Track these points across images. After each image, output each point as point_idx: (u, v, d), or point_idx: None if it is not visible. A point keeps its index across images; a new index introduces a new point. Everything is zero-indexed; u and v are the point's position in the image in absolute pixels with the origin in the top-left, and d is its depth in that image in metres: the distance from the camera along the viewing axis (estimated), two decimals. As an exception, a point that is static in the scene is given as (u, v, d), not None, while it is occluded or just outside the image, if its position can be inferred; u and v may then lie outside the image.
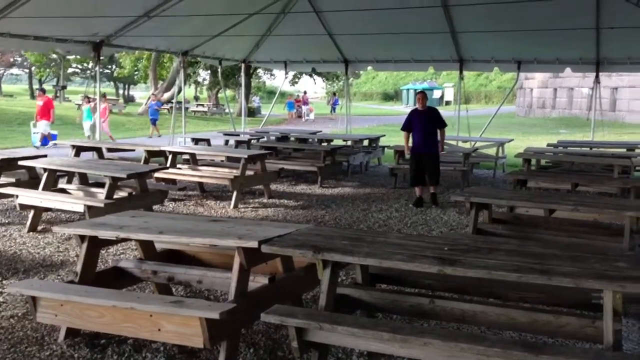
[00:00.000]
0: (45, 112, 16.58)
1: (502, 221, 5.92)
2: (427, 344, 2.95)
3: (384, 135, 15.07)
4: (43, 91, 18.11)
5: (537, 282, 3.08)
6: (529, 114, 36.86)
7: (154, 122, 22.93)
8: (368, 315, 3.90)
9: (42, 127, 16.57)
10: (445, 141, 13.42)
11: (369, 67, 16.50)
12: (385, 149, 13.98)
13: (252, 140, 13.13)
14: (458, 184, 10.58)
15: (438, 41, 12.70)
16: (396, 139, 17.80)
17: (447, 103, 52.53)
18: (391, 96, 64.47)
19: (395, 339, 3.02)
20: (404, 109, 51.68)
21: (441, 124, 9.06)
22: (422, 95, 9.32)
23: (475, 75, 52.91)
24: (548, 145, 12.32)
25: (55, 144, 15.69)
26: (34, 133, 16.79)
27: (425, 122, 8.93)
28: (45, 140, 16.58)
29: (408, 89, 58.02)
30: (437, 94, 55.51)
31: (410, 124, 9.08)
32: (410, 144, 9.15)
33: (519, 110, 38.20)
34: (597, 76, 12.78)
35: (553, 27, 10.99)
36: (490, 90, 54.02)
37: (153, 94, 26.82)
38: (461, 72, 13.89)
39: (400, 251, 3.37)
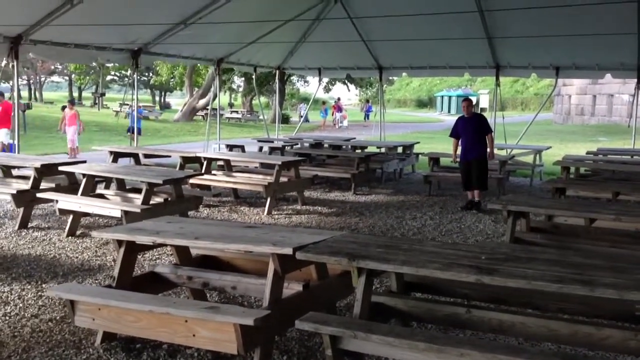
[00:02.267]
0: (5, 118, 13.82)
1: (541, 230, 5.80)
2: (464, 355, 2.89)
3: (418, 143, 14.95)
4: (1, 95, 14.61)
5: (578, 293, 3.00)
6: (567, 121, 36.17)
7: (134, 130, 16.43)
8: (403, 324, 3.85)
9: (1, 136, 13.85)
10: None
11: (404, 74, 16.42)
12: (420, 156, 13.88)
13: (286, 147, 13.18)
14: (494, 192, 10.41)
15: (474, 47, 12.56)
16: (430, 146, 17.67)
17: (483, 110, 51.75)
18: (425, 103, 64.07)
19: (432, 348, 2.97)
20: (438, 116, 51.35)
21: (486, 129, 9.21)
22: (467, 102, 9.45)
23: (511, 81, 52.19)
24: (587, 153, 12.05)
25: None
26: None
27: (471, 129, 9.11)
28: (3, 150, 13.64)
29: (442, 96, 57.62)
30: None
31: (457, 131, 9.30)
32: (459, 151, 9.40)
33: (557, 118, 37.52)
34: (638, 82, 12.45)
35: (593, 32, 10.76)
36: (527, 97, 53.24)
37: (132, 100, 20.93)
38: (497, 79, 13.70)
39: (437, 259, 3.32)
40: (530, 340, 3.87)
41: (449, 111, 54.08)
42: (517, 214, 5.41)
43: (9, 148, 13.62)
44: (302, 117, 36.43)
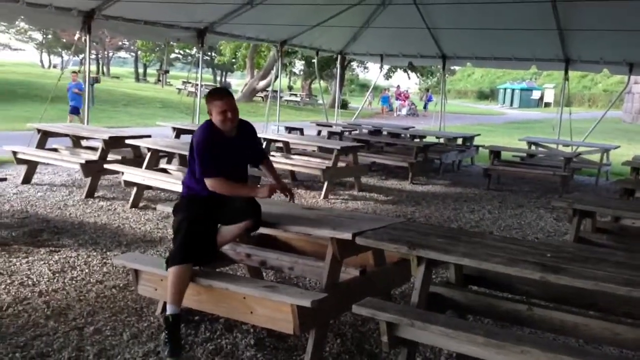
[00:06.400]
0: None
1: (606, 231, 5.60)
2: (524, 352, 2.83)
3: (479, 135, 14.66)
4: None
5: (648, 299, 2.88)
6: (637, 120, 34.72)
7: (74, 110, 15.93)
8: (459, 317, 3.80)
9: None
10: (544, 144, 12.89)
11: (468, 64, 16.07)
12: (480, 148, 13.62)
13: (345, 132, 13.15)
14: (556, 189, 10.12)
15: (543, 39, 12.15)
16: (491, 139, 17.30)
17: (547, 105, 50.53)
18: (487, 95, 62.72)
19: (490, 343, 2.92)
20: (499, 108, 50.18)
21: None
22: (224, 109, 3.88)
23: (578, 76, 50.41)
24: (658, 154, 11.52)
25: None
26: None
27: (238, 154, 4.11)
28: None
29: (505, 89, 56.27)
30: (536, 94, 53.52)
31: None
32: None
33: (626, 116, 36.06)
34: None
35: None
36: (595, 93, 51.36)
37: (73, 72, 17.25)
38: (567, 73, 13.25)
39: (500, 254, 3.25)
40: (592, 343, 3.76)
41: (511, 104, 52.79)
42: (583, 213, 5.24)
43: None
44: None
